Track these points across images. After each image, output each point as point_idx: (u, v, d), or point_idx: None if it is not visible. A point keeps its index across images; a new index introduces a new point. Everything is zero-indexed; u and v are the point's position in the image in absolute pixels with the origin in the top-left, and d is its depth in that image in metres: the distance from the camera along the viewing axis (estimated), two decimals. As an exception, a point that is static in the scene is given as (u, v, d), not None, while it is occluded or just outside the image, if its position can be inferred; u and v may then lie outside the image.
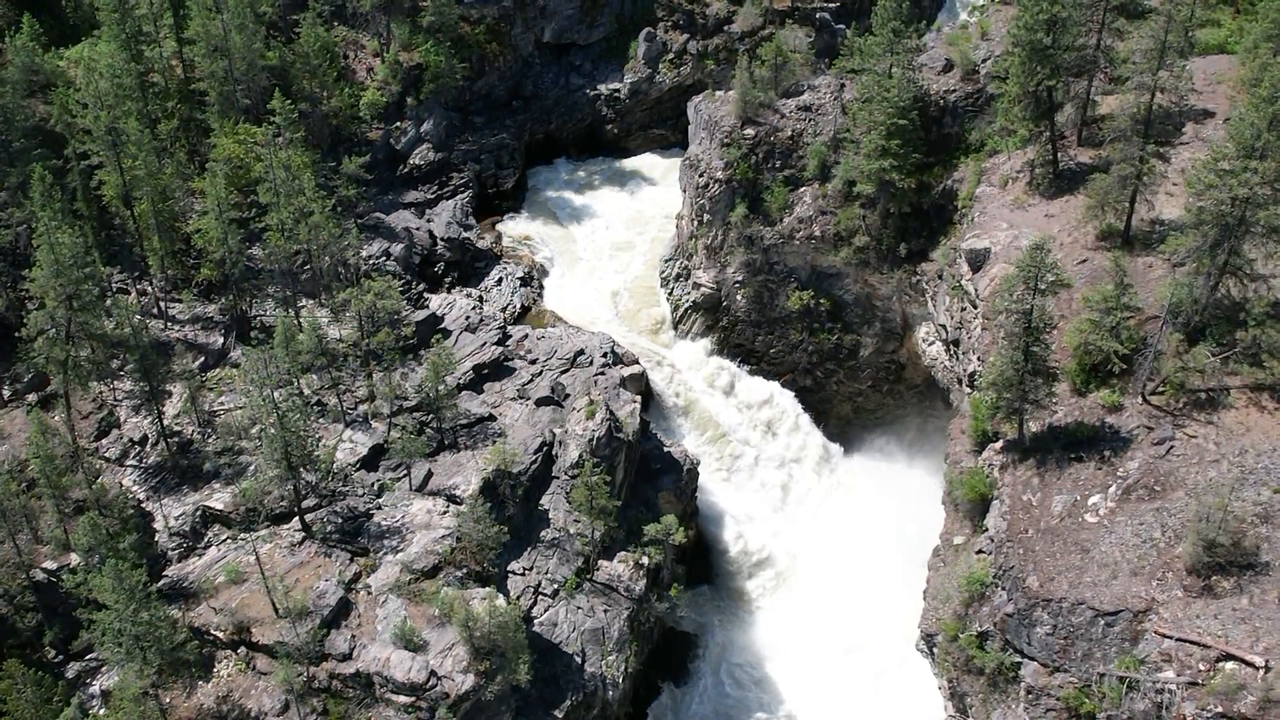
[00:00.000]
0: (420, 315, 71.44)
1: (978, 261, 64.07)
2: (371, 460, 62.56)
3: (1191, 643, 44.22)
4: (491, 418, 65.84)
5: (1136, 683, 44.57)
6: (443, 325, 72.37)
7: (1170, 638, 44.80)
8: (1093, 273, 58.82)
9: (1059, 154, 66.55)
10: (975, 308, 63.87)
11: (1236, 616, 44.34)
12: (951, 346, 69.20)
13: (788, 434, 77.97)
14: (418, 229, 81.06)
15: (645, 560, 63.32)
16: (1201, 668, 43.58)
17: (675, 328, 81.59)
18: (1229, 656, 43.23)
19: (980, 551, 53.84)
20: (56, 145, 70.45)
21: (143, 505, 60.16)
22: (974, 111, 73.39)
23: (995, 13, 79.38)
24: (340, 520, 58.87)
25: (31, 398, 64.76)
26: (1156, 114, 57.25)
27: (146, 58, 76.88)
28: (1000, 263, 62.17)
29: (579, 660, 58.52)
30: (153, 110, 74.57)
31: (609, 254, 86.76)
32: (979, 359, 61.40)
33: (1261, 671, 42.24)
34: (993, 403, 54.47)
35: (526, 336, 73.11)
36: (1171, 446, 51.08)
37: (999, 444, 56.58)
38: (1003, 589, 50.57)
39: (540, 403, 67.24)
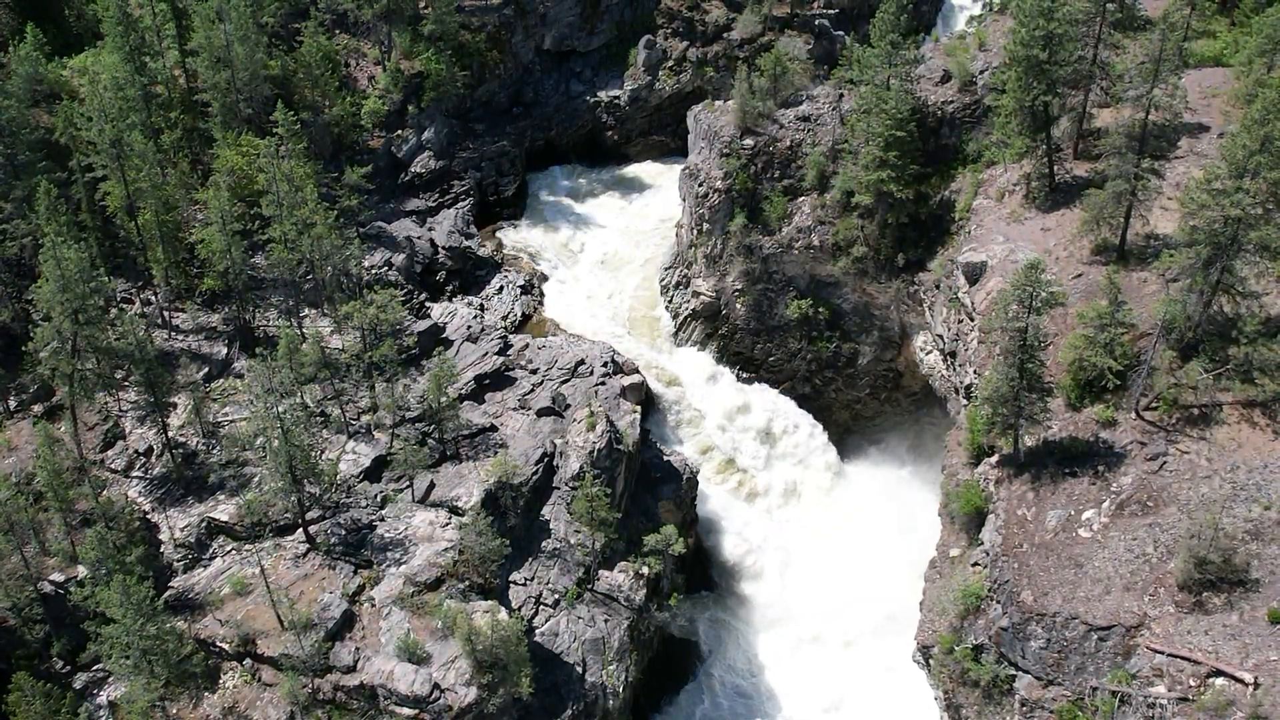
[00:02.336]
0: (422, 325, 72.00)
1: (974, 274, 64.60)
2: (374, 471, 63.13)
3: (1182, 658, 45.01)
4: (493, 428, 66.45)
5: (1128, 697, 45.32)
6: (444, 335, 72.92)
7: (1162, 653, 45.56)
8: (1088, 287, 59.37)
9: (1055, 167, 67.03)
10: (972, 320, 64.40)
11: (1227, 633, 45.08)
12: (949, 357, 69.74)
13: (825, 495, 77.73)
14: (419, 238, 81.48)
15: (645, 570, 64.02)
16: (1192, 683, 44.32)
17: (675, 335, 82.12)
18: (1219, 672, 44.00)
19: (976, 564, 54.61)
20: (61, 158, 70.79)
21: (148, 516, 60.74)
22: (971, 122, 73.82)
23: (992, 23, 79.82)
24: (344, 532, 59.49)
25: (37, 409, 65.31)
26: (1151, 130, 57.75)
27: (150, 69, 77.13)
28: (996, 276, 62.70)
29: (580, 670, 59.21)
30: (156, 121, 74.95)
31: (609, 261, 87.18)
32: (975, 371, 62.00)
33: (1251, 688, 42.95)
34: (988, 417, 55.08)
35: (527, 346, 73.63)
36: (1164, 462, 51.72)
37: (994, 458, 57.23)
38: (997, 602, 51.27)
39: (541, 413, 67.82)
